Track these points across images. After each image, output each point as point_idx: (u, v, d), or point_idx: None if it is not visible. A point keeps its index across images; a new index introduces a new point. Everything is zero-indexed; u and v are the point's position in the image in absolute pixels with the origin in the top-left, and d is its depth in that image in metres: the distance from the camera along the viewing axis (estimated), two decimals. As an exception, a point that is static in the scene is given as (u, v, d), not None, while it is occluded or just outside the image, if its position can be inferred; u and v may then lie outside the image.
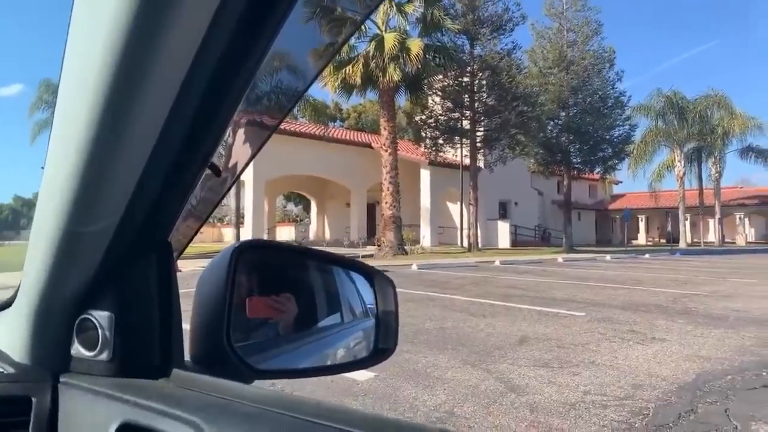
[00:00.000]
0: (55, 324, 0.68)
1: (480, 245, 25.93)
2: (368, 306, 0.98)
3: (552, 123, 28.63)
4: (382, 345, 0.90)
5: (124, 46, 0.46)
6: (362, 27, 21.14)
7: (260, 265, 0.87)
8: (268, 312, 0.83)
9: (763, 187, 44.11)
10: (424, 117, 25.87)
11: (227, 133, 0.66)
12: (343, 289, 1.01)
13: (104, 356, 0.65)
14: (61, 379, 0.67)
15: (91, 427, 0.61)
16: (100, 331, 0.65)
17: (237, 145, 0.76)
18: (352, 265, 0.97)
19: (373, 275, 0.94)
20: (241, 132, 0.74)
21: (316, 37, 0.60)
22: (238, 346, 0.73)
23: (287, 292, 0.86)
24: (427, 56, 21.14)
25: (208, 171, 0.67)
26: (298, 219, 43.66)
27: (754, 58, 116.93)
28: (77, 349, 0.67)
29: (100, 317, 0.66)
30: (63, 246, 0.63)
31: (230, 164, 0.76)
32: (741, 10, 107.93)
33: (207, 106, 0.56)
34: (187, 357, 0.71)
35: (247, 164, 0.79)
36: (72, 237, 0.62)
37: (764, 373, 4.41)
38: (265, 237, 27.19)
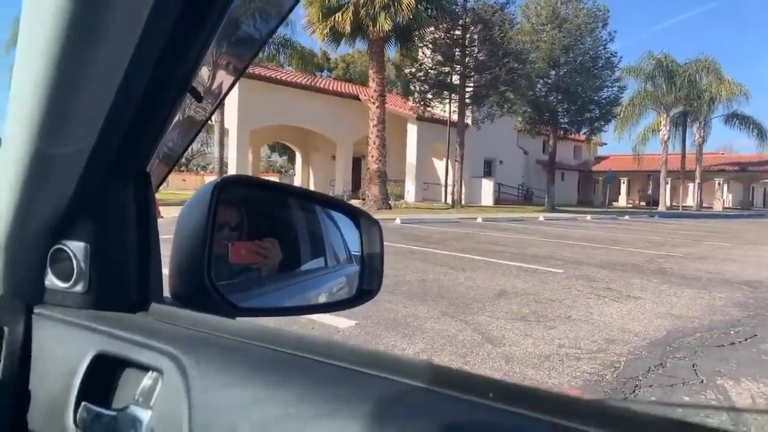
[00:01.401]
0: (28, 254, 0.66)
1: (464, 202, 26.08)
2: (353, 252, 0.97)
3: (541, 81, 28.36)
4: (367, 286, 0.90)
5: None
6: (353, -28, 20.47)
7: (243, 203, 0.85)
8: (251, 257, 0.81)
9: (744, 153, 44.76)
10: (413, 70, 25.43)
11: (207, 61, 0.62)
12: (327, 234, 1.00)
13: (79, 288, 0.63)
14: (36, 311, 0.65)
15: (65, 358, 0.59)
16: (74, 261, 0.63)
17: (216, 72, 0.72)
18: (337, 205, 0.96)
19: (358, 216, 0.92)
20: (220, 60, 0.70)
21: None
22: (220, 284, 0.72)
23: (270, 235, 0.84)
24: (419, 6, 20.59)
25: (189, 96, 0.64)
26: (282, 170, 43.34)
27: (745, 26, 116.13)
28: (51, 281, 0.65)
29: (75, 248, 0.63)
30: (33, 169, 0.60)
31: (210, 91, 0.73)
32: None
33: (183, 28, 0.53)
34: (168, 294, 0.70)
35: (227, 92, 0.75)
36: (42, 159, 0.59)
37: (732, 332, 4.57)
38: (249, 187, 26.96)
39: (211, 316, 0.60)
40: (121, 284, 0.65)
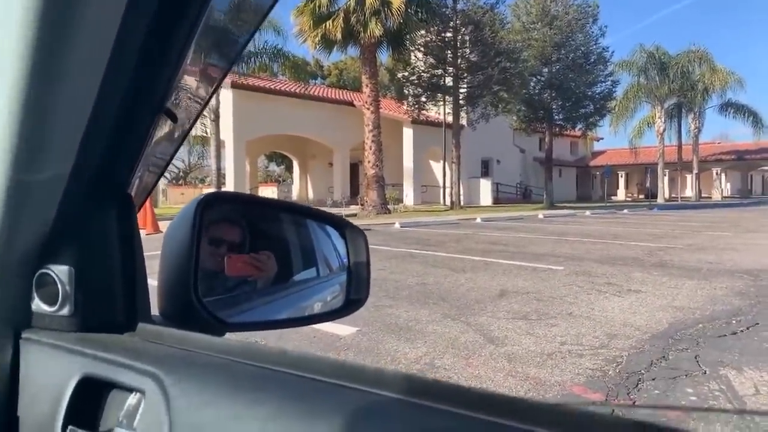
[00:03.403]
0: (14, 279, 0.67)
1: (462, 203, 26.10)
2: (344, 260, 0.98)
3: (534, 79, 28.46)
4: (354, 296, 0.91)
5: None
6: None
7: (234, 218, 0.86)
8: (247, 270, 0.82)
9: (740, 142, 44.79)
10: (406, 74, 25.51)
11: (180, 79, 0.63)
12: (318, 243, 1.01)
13: (65, 311, 0.64)
14: (23, 335, 0.65)
15: (53, 382, 0.60)
16: (59, 285, 0.64)
17: (191, 91, 0.73)
18: (322, 217, 0.97)
19: (344, 227, 0.93)
20: (194, 77, 0.71)
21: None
22: (209, 300, 0.73)
23: (263, 248, 0.86)
24: (409, 10, 20.67)
25: (165, 117, 0.65)
26: (280, 179, 43.35)
27: (737, 15, 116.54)
28: (38, 305, 0.66)
29: (59, 271, 0.64)
30: (12, 196, 0.61)
31: (186, 110, 0.74)
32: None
33: (155, 48, 0.54)
34: (157, 313, 0.71)
35: (201, 110, 0.76)
36: (21, 186, 0.60)
37: (734, 322, 4.57)
38: (247, 197, 26.97)
39: (197, 334, 0.61)
40: (107, 306, 0.66)
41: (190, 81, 0.72)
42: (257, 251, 0.84)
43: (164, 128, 0.71)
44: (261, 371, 0.50)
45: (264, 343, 3.38)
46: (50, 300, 0.65)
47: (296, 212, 0.95)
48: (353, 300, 0.90)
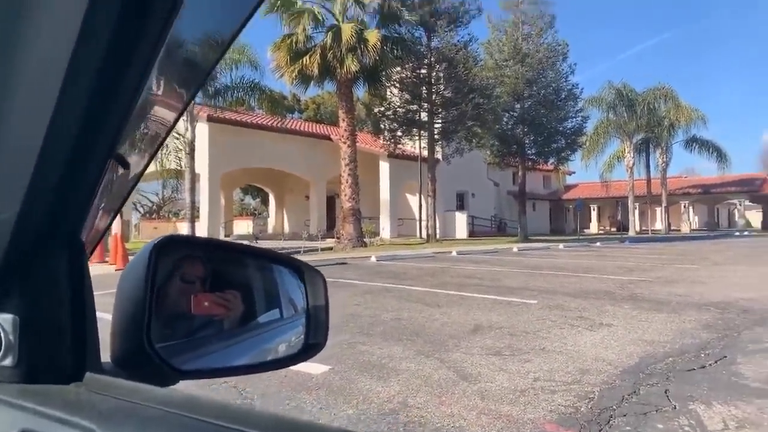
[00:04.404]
0: None
1: (438, 236, 26.23)
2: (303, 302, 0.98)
3: (507, 115, 29.15)
4: (312, 340, 0.90)
5: None
6: (319, 17, 20.99)
7: (197, 258, 0.85)
8: (214, 309, 0.81)
9: (706, 176, 46.32)
10: (382, 109, 25.89)
11: (132, 122, 0.63)
12: (282, 284, 1.00)
13: (8, 362, 0.62)
14: None
15: None
16: (2, 334, 0.62)
17: (144, 133, 0.73)
18: (278, 259, 0.96)
19: (302, 269, 0.93)
20: (147, 120, 0.71)
21: (220, 15, 0.58)
22: (167, 346, 0.72)
23: (227, 288, 0.85)
24: (384, 48, 21.11)
25: (115, 163, 0.65)
26: (256, 212, 43.04)
27: (700, 53, 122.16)
28: None
29: (3, 320, 0.63)
30: None
31: (138, 154, 0.74)
32: (689, 6, 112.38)
33: (103, 93, 0.54)
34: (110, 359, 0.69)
35: (155, 153, 0.76)
36: None
37: (702, 355, 4.64)
38: (222, 231, 26.71)
39: (142, 385, 0.60)
40: (53, 355, 0.64)
41: (147, 118, 0.72)
42: (222, 290, 0.83)
43: (118, 171, 0.71)
44: (199, 425, 0.49)
45: (234, 384, 3.27)
46: None
47: (253, 255, 0.94)
48: (312, 344, 0.89)
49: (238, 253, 0.97)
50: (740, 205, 43.10)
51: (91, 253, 0.83)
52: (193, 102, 19.74)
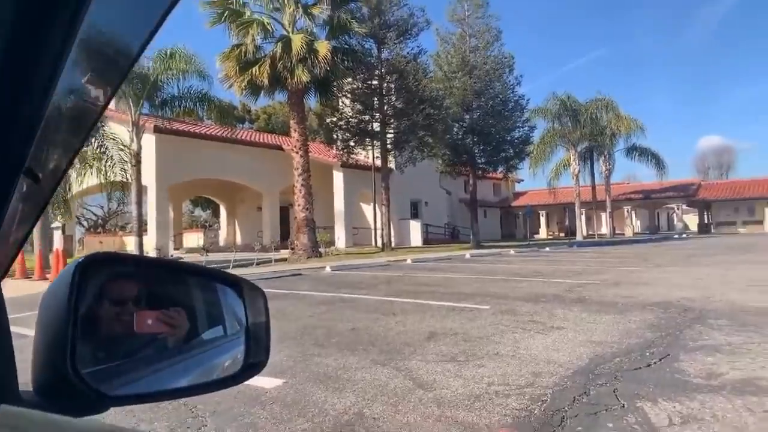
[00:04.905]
0: None
1: (393, 244, 26.34)
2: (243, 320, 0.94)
3: (457, 125, 29.71)
4: (253, 359, 0.86)
5: None
6: (269, 27, 20.81)
7: (129, 276, 0.80)
8: (158, 327, 0.76)
9: (646, 182, 48.50)
10: (335, 119, 25.89)
11: (40, 134, 0.58)
12: (225, 300, 0.96)
13: None
14: None
15: None
16: None
17: (54, 145, 0.68)
18: (216, 276, 0.92)
19: (241, 285, 0.90)
20: (57, 131, 0.66)
21: (137, 19, 0.53)
22: (93, 371, 0.67)
23: (166, 307, 0.80)
24: (335, 58, 21.11)
25: (24, 178, 0.60)
26: (207, 224, 42.02)
27: (638, 65, 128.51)
28: None
29: None
30: None
31: (49, 168, 0.69)
32: (626, 22, 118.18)
33: (8, 101, 0.50)
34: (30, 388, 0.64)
35: (68, 167, 0.71)
36: None
37: (647, 354, 4.81)
38: (171, 245, 25.90)
39: (62, 417, 0.55)
40: None
41: (59, 127, 0.66)
42: (162, 308, 0.79)
43: (28, 186, 0.66)
44: None
45: (184, 401, 3.14)
46: None
47: (189, 272, 0.90)
48: (252, 363, 0.86)
49: (174, 270, 0.92)
50: (678, 209, 45.33)
51: (6, 272, 0.77)
52: (138, 112, 19.15)
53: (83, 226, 40.64)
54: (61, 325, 0.62)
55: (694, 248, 22.92)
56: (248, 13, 20.68)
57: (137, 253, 17.07)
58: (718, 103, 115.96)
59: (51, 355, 0.62)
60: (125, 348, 0.75)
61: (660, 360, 4.59)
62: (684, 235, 38.41)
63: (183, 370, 0.87)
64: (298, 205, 21.59)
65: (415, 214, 33.56)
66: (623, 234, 42.87)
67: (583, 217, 39.66)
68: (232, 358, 0.94)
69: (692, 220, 47.20)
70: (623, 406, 3.46)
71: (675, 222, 46.33)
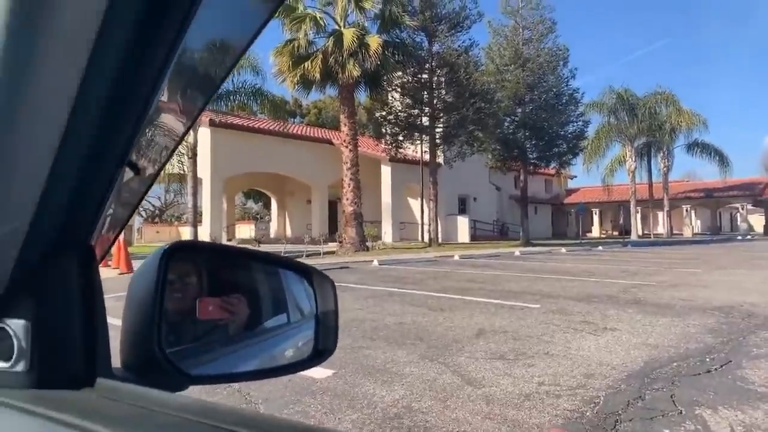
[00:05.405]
0: None
1: (440, 240, 26.22)
2: (312, 306, 0.97)
3: (509, 119, 29.18)
4: (322, 346, 0.89)
5: (13, 29, 0.44)
6: (321, 22, 21.06)
7: (200, 266, 0.85)
8: (219, 313, 0.80)
9: (708, 180, 46.25)
10: (384, 113, 25.93)
11: (144, 129, 0.63)
12: (289, 289, 0.99)
13: (20, 367, 0.62)
14: None
15: None
16: (15, 340, 0.62)
17: (155, 140, 0.73)
18: (288, 264, 0.96)
19: (311, 274, 0.92)
20: (158, 127, 0.71)
21: (232, 24, 0.58)
22: (176, 351, 0.71)
23: (232, 293, 0.84)
24: (386, 52, 21.18)
25: (127, 170, 0.65)
26: (258, 216, 43.06)
27: (701, 57, 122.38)
28: None
29: (15, 326, 0.62)
30: None
31: (150, 161, 0.74)
32: (689, 12, 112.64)
33: (117, 100, 0.54)
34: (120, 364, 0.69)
35: (167, 160, 0.76)
36: None
37: (707, 359, 4.61)
38: (224, 235, 26.72)
39: (154, 391, 0.59)
40: (64, 361, 0.64)
41: (159, 125, 0.72)
42: (228, 295, 0.83)
43: (129, 178, 0.71)
44: (215, 431, 0.48)
45: (238, 388, 3.27)
46: (5, 356, 0.63)
47: (261, 260, 0.94)
48: (321, 350, 0.89)
49: (245, 258, 0.96)
50: (742, 209, 43.02)
51: (102, 260, 0.83)
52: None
53: (141, 216, 42.42)
54: (149, 306, 0.66)
55: (759, 250, 21.73)
56: (301, 8, 20.98)
57: (192, 242, 17.68)
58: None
59: (140, 334, 0.66)
60: (193, 332, 0.79)
61: (721, 366, 4.39)
62: (748, 237, 36.46)
63: (249, 355, 0.91)
64: (347, 199, 21.81)
65: (462, 210, 33.24)
66: (681, 234, 41.10)
67: (639, 216, 38.29)
68: (298, 344, 0.97)
69: (758, 221, 44.71)
70: (681, 413, 3.34)
71: (738, 222, 44.02)
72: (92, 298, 0.66)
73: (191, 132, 19.38)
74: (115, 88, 0.52)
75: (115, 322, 0.66)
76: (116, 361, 0.68)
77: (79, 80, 0.48)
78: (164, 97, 0.61)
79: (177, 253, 0.75)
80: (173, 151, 0.77)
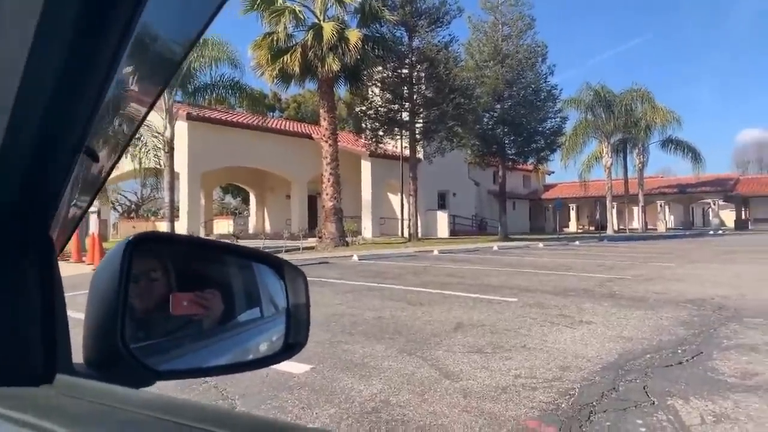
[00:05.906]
0: None
1: (420, 235, 26.31)
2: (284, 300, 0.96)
3: (488, 115, 29.35)
4: (293, 340, 0.88)
5: None
6: (300, 15, 20.87)
7: (171, 258, 0.82)
8: (193, 308, 0.78)
9: (682, 176, 47.22)
10: (364, 108, 25.86)
11: (102, 115, 0.61)
12: (263, 283, 0.98)
13: None
14: None
15: None
16: None
17: (114, 126, 0.70)
18: (259, 257, 0.94)
19: (282, 267, 0.91)
20: (117, 112, 0.69)
21: (186, 20, 0.56)
22: (141, 346, 0.69)
23: (204, 288, 0.82)
24: (366, 47, 21.07)
25: (85, 157, 0.62)
26: (236, 211, 42.66)
27: (675, 56, 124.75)
28: None
29: None
30: None
31: (110, 147, 0.71)
32: (664, 10, 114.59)
33: (70, 85, 0.51)
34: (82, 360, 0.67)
35: (126, 146, 0.74)
36: None
37: (679, 351, 4.71)
38: (202, 230, 26.41)
39: (116, 387, 0.57)
40: (23, 356, 0.62)
41: (117, 109, 0.69)
42: (201, 290, 0.81)
43: (87, 165, 0.69)
44: (180, 428, 0.47)
45: (214, 384, 3.23)
46: None
47: (233, 253, 0.92)
48: (292, 344, 0.87)
49: (218, 251, 0.94)
50: (714, 204, 44.04)
51: (62, 250, 0.80)
52: (172, 100, 19.49)
53: (117, 211, 41.70)
54: (112, 299, 0.64)
55: (731, 245, 22.27)
56: (280, 1, 20.76)
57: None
58: (760, 95, 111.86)
59: (102, 328, 0.64)
60: (164, 327, 0.77)
61: (693, 358, 4.49)
62: (720, 232, 37.34)
63: (221, 350, 0.89)
64: (326, 194, 21.72)
65: (442, 205, 33.42)
66: (656, 229, 41.91)
67: (615, 211, 38.92)
68: (271, 338, 0.96)
69: (729, 216, 45.78)
70: (653, 403, 3.40)
71: (711, 218, 45.09)
72: (51, 291, 0.64)
73: (168, 126, 19.10)
74: (67, 68, 0.49)
75: (83, 317, 0.64)
76: (79, 357, 0.66)
77: (26, 58, 0.46)
78: (122, 82, 0.58)
79: (142, 244, 0.73)
80: (132, 136, 0.75)
